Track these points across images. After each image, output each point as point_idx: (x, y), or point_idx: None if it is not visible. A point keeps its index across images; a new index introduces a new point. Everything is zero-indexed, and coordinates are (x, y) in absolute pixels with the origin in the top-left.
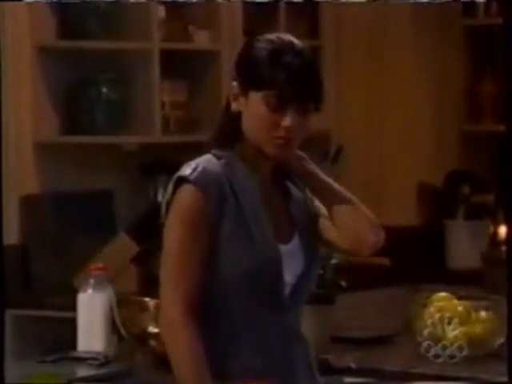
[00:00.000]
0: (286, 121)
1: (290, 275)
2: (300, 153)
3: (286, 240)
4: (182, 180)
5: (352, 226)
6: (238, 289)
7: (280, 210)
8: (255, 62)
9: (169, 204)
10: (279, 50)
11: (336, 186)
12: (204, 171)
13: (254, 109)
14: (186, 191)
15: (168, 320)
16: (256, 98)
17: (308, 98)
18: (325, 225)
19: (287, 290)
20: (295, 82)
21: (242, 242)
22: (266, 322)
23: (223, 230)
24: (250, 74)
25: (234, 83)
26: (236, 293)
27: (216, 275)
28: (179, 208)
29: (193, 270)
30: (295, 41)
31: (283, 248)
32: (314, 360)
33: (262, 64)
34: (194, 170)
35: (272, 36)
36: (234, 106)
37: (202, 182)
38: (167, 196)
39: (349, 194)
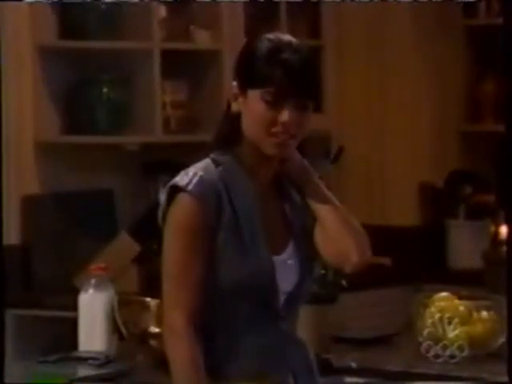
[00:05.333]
0: (284, 116)
1: (285, 284)
2: (305, 162)
3: (281, 250)
4: (179, 189)
5: (337, 243)
6: (232, 297)
7: (276, 217)
8: (253, 60)
9: (165, 212)
10: (277, 48)
11: (334, 200)
12: (201, 181)
13: (252, 107)
14: (184, 201)
15: (170, 326)
16: (254, 96)
17: (305, 94)
18: (317, 233)
19: (282, 298)
20: (292, 78)
21: (235, 252)
22: (262, 328)
23: (219, 238)
24: (248, 72)
25: (234, 83)
26: (231, 301)
27: (213, 282)
28: (177, 218)
29: (193, 278)
30: (293, 40)
31: (277, 258)
32: (315, 362)
33: (260, 62)
34: (191, 179)
35: (270, 35)
36: (234, 107)
37: (200, 192)
38: (162, 204)
39: (345, 212)
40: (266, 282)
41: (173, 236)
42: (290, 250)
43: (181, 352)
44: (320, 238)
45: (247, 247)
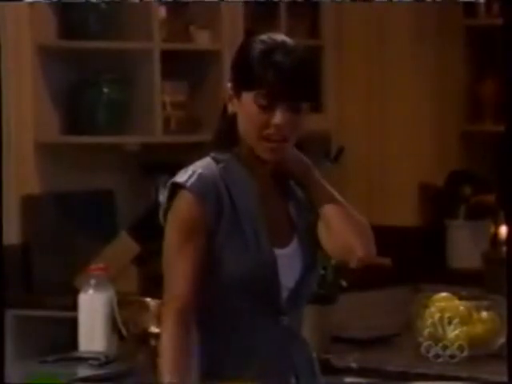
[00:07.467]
0: (276, 118)
1: (287, 279)
2: (306, 160)
3: (284, 244)
4: (179, 186)
5: (341, 238)
6: (234, 293)
7: (279, 213)
8: (246, 62)
9: (166, 210)
10: (270, 50)
11: (337, 196)
12: (200, 177)
13: (245, 109)
14: (184, 198)
15: (165, 313)
16: (247, 98)
17: (298, 96)
18: (321, 229)
19: (285, 294)
20: (285, 80)
21: (237, 246)
22: (264, 325)
23: (220, 234)
24: (242, 74)
25: (229, 85)
26: (233, 296)
27: (214, 279)
28: (177, 215)
29: (189, 268)
30: (288, 40)
31: (280, 252)
32: (316, 362)
33: (253, 64)
34: (191, 176)
35: (264, 36)
36: (229, 108)
37: (199, 188)
38: (163, 202)
39: (348, 207)
40: (268, 275)
41: (172, 230)
42: (293, 245)
43: (167, 337)
44: (324, 234)
45: (248, 242)
